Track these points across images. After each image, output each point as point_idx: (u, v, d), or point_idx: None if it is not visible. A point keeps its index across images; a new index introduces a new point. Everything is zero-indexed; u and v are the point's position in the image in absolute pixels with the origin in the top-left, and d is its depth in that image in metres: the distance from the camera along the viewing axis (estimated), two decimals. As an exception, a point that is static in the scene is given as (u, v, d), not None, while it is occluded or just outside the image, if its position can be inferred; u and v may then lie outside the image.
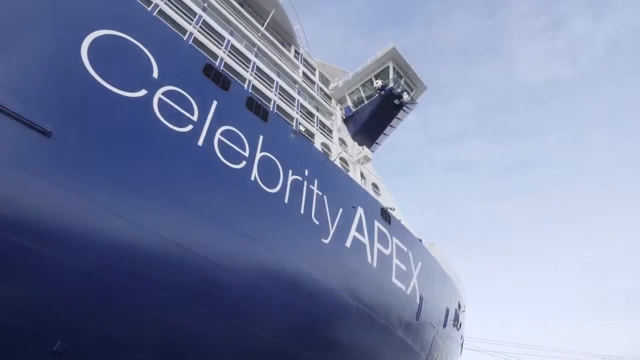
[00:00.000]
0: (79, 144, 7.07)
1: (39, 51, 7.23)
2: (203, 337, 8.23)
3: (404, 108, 20.66)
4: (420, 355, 16.31)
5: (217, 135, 9.74)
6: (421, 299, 15.87)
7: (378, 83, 19.99)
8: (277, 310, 9.70)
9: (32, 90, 6.81)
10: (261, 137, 11.06)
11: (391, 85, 20.06)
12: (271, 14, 19.47)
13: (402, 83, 20.92)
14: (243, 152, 10.26)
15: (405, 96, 20.16)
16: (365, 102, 20.91)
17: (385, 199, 18.76)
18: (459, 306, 21.36)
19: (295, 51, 21.38)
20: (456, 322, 20.47)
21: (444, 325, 18.57)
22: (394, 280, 14.30)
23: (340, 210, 12.93)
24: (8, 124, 6.17)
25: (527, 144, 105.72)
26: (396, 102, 20.06)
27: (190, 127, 9.13)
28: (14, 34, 6.93)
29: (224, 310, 8.59)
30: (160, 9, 12.38)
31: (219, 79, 10.70)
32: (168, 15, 12.59)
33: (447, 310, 19.07)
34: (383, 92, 19.83)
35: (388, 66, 20.49)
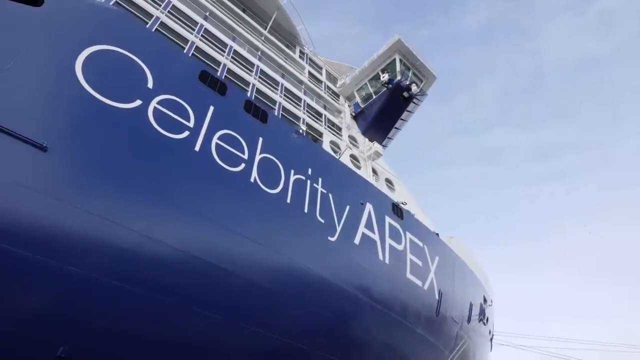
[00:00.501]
0: (75, 157, 7.34)
1: (34, 68, 7.56)
2: (207, 340, 8.34)
3: (414, 100, 20.22)
4: (444, 351, 15.87)
5: (215, 140, 9.87)
6: (440, 294, 15.45)
7: (384, 77, 19.67)
8: (283, 310, 9.70)
9: (28, 106, 7.13)
10: (260, 139, 11.12)
11: (399, 78, 19.71)
12: (273, 17, 19.60)
13: (410, 75, 20.50)
14: (242, 155, 10.35)
15: (414, 88, 19.73)
16: (374, 97, 20.61)
17: (400, 194, 18.43)
18: (485, 300, 20.64)
19: (300, 51, 21.40)
20: (482, 317, 19.79)
21: (469, 320, 17.98)
22: (409, 276, 14.00)
23: (347, 207, 12.79)
24: (5, 140, 6.50)
25: (559, 128, 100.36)
26: (405, 94, 19.65)
27: (186, 133, 9.31)
28: (9, 50, 7.29)
29: (230, 312, 8.67)
30: (161, 21, 12.71)
31: (215, 85, 10.85)
32: (170, 27, 12.90)
33: (471, 305, 18.46)
34: (390, 86, 19.50)
35: (394, 59, 20.15)
